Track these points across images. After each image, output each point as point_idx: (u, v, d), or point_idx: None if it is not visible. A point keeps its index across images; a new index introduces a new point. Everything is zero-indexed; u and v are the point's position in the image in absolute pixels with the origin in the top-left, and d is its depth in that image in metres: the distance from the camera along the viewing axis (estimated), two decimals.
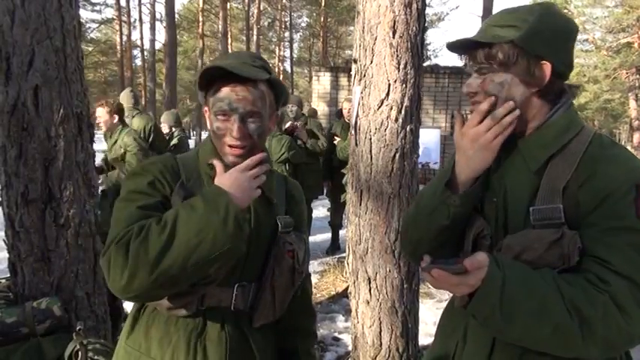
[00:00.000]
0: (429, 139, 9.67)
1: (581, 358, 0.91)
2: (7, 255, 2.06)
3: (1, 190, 2.01)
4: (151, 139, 5.13)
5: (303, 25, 32.99)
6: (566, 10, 27.14)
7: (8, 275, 2.10)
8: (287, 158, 4.83)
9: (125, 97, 5.21)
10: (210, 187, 1.03)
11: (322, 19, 26.94)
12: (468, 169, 1.02)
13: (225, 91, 1.08)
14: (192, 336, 1.11)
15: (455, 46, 1.04)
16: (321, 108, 10.25)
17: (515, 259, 0.94)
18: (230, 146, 1.10)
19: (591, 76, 26.83)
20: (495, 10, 18.10)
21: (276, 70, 31.85)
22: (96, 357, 1.75)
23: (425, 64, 5.50)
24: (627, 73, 25.45)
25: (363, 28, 2.27)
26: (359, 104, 2.34)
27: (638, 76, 25.28)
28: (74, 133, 2.07)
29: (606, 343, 0.86)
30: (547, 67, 0.97)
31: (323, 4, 25.98)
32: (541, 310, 0.86)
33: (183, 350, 1.10)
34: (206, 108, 1.15)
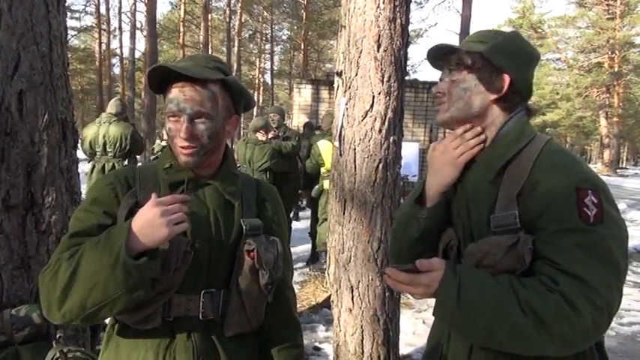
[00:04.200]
0: (408, 152, 9.78)
1: (547, 355, 0.95)
2: None
3: None
4: (129, 147, 5.12)
5: (284, 37, 33.21)
6: (539, 30, 28.07)
7: None
8: (269, 167, 4.89)
9: (110, 105, 5.38)
10: (122, 223, 1.01)
11: (303, 32, 27.15)
12: (435, 184, 1.14)
13: (174, 92, 1.08)
14: (160, 349, 1.08)
15: (435, 53, 1.17)
16: (302, 120, 10.30)
17: (477, 264, 1.00)
18: (181, 147, 1.09)
19: (564, 94, 27.70)
20: (473, 27, 18.64)
21: (257, 81, 31.90)
22: None
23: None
24: (598, 92, 26.34)
25: (349, 41, 2.33)
26: (344, 115, 2.39)
27: (608, 94, 26.20)
28: (58, 139, 2.05)
29: (563, 340, 0.91)
30: (506, 78, 1.08)
31: (304, 17, 26.22)
32: (497, 312, 0.92)
33: None
34: None
